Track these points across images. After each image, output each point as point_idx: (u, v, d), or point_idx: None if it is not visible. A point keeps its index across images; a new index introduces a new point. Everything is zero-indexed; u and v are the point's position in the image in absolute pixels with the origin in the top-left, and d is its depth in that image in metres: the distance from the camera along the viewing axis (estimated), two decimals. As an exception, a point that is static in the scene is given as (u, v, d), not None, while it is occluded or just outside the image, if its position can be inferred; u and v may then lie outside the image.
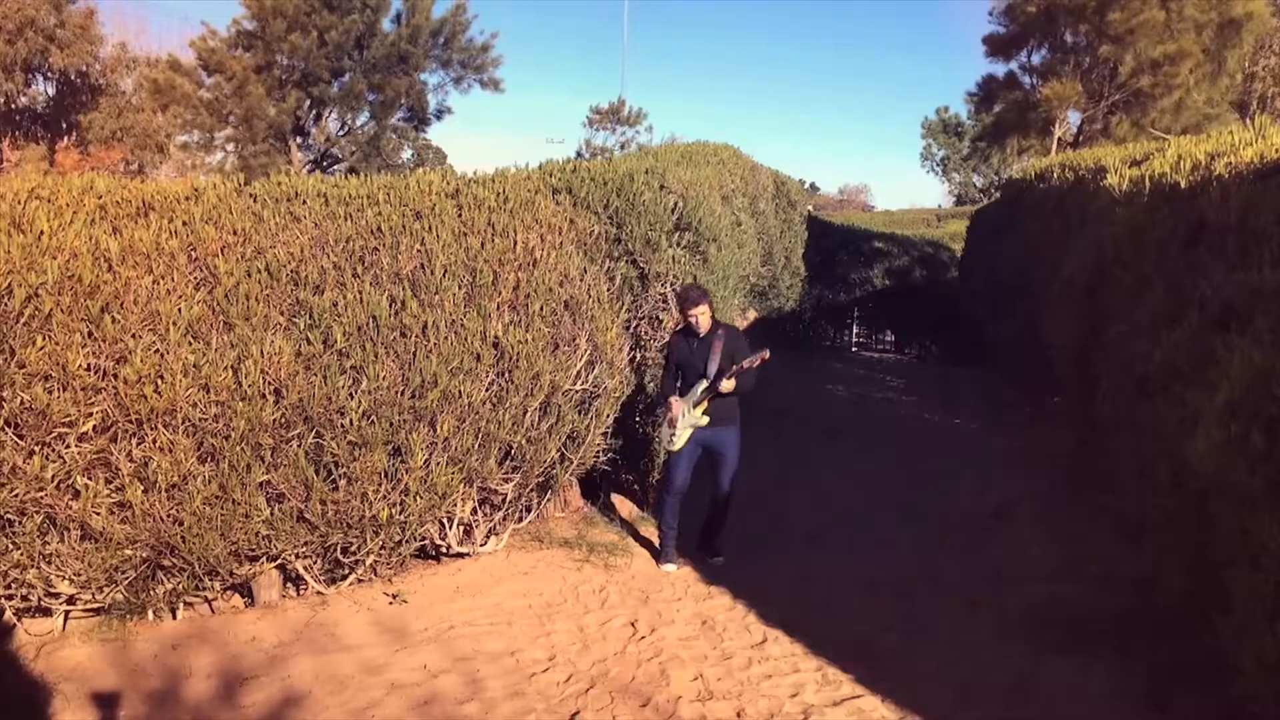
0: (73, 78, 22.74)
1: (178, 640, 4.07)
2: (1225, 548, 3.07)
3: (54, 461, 3.75)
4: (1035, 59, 17.92)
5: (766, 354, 4.97)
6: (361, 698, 3.67)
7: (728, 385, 4.97)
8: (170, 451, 3.92)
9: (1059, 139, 16.81)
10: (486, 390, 4.69)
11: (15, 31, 20.15)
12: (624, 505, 6.24)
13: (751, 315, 12.12)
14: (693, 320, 5.05)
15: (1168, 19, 14.61)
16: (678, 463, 5.21)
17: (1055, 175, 8.66)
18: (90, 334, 3.89)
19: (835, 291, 16.62)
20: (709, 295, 5.16)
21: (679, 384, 5.23)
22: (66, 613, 4.14)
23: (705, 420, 5.08)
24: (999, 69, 18.58)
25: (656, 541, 5.52)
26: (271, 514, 4.14)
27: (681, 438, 5.12)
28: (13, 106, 21.73)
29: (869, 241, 17.71)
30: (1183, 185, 4.38)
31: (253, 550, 4.19)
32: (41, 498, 3.74)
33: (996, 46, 17.98)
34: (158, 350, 3.98)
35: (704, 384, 5.05)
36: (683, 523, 5.36)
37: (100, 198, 4.49)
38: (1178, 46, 14.64)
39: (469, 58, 21.72)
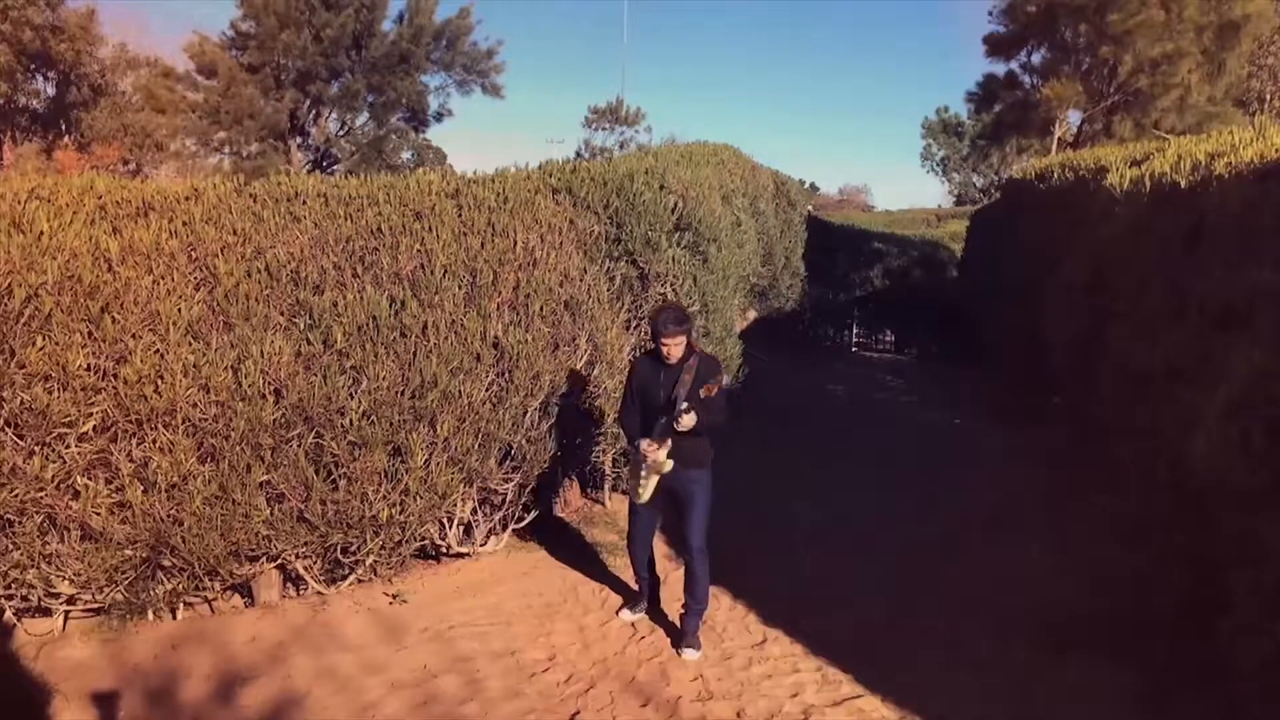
0: (71, 77, 22.79)
1: (178, 640, 4.07)
2: (1225, 548, 3.08)
3: (54, 462, 3.75)
4: (1035, 59, 17.97)
5: (724, 379, 4.09)
6: (362, 698, 3.67)
7: (687, 422, 3.93)
8: (170, 452, 3.92)
9: (1059, 139, 16.83)
10: (486, 390, 4.69)
11: (13, 31, 20.17)
12: (624, 504, 6.23)
13: (751, 315, 12.13)
14: (665, 349, 4.11)
15: (1168, 20, 14.63)
16: (638, 512, 4.37)
17: (1055, 175, 8.66)
18: (90, 334, 3.89)
19: (835, 291, 16.60)
20: (691, 322, 4.28)
21: (640, 416, 4.32)
22: (66, 613, 4.14)
23: (669, 465, 4.13)
24: (999, 69, 18.63)
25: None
26: (271, 514, 4.14)
27: (648, 488, 4.21)
28: (12, 105, 21.76)
29: (869, 241, 17.70)
30: (1183, 185, 4.38)
31: (253, 550, 4.19)
32: (41, 498, 3.74)
33: (996, 46, 18.00)
34: (158, 350, 3.98)
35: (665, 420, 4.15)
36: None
37: (100, 198, 4.49)
38: (1175, 46, 14.66)
39: (472, 62, 21.69)
